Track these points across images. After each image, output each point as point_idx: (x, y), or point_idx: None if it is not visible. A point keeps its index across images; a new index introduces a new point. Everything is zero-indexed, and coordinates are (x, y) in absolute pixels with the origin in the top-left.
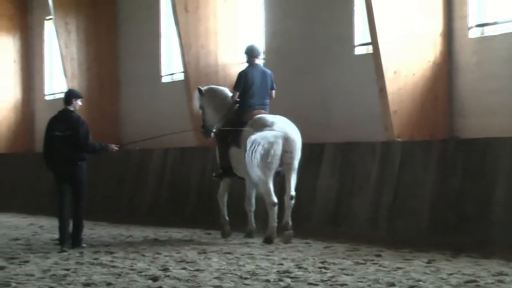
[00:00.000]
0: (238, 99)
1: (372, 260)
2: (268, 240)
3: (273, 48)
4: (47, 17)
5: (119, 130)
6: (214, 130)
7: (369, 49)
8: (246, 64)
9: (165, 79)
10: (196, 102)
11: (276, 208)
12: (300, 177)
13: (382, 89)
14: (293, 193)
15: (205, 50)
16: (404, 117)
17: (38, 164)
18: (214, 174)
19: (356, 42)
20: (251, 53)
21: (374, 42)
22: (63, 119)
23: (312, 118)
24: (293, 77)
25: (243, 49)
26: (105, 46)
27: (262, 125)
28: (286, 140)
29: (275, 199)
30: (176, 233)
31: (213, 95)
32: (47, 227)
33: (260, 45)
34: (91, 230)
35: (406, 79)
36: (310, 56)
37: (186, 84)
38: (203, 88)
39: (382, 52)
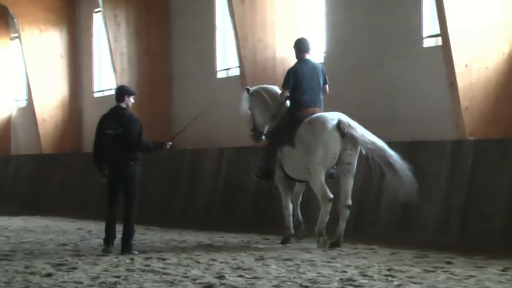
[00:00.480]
0: (288, 97)
1: (442, 267)
2: (334, 244)
3: (334, 39)
4: (96, 10)
5: (171, 128)
6: (265, 132)
7: (439, 41)
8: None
9: (220, 75)
10: (245, 104)
11: (330, 204)
12: (364, 179)
13: (452, 83)
14: (349, 202)
15: (262, 43)
16: (476, 113)
17: (87, 165)
18: (255, 174)
19: (425, 34)
20: (300, 47)
21: (444, 33)
22: (115, 116)
23: (376, 115)
24: (357, 70)
25: (293, 44)
26: (156, 39)
27: (324, 123)
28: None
29: (331, 195)
30: (232, 238)
31: (262, 95)
32: (95, 232)
33: (320, 37)
34: (142, 235)
35: (479, 73)
36: (375, 48)
37: (242, 79)
38: (252, 89)
39: (453, 44)
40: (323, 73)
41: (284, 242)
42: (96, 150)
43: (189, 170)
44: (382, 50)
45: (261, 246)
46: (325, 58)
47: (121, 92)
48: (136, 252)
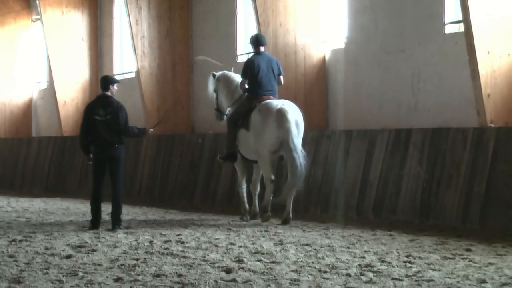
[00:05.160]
0: (247, 86)
1: (462, 254)
2: (285, 221)
3: (357, 26)
4: None
5: (192, 113)
6: (226, 113)
7: (461, 27)
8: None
9: (240, 59)
10: (211, 86)
11: (272, 184)
12: (385, 166)
13: (474, 70)
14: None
15: (283, 29)
16: (498, 101)
17: None
18: (219, 156)
19: (447, 20)
20: (256, 42)
21: (466, 19)
22: (103, 104)
23: (398, 101)
24: (379, 56)
25: (249, 39)
26: (177, 23)
27: (269, 109)
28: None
29: (272, 176)
30: (251, 222)
31: (227, 81)
32: None
33: (342, 23)
34: (162, 218)
35: (501, 60)
36: (397, 34)
37: None
38: (217, 73)
39: (475, 31)
40: (277, 65)
41: (242, 218)
42: (82, 135)
43: (210, 154)
44: (404, 36)
45: (280, 231)
46: (347, 44)
47: (106, 81)
48: (123, 227)
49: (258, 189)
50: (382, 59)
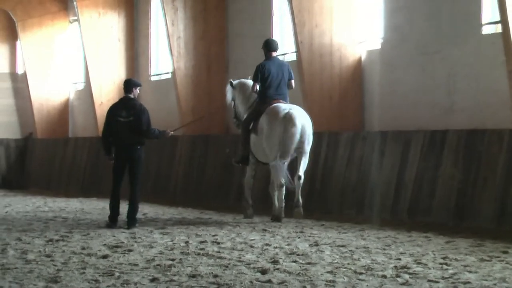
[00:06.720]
0: (257, 88)
1: (498, 257)
2: (276, 219)
3: (392, 26)
4: None
5: (227, 114)
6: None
7: (498, 28)
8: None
9: None
10: (229, 95)
11: (283, 189)
12: (420, 167)
13: (511, 71)
14: (300, 173)
15: (319, 29)
16: None
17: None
18: (233, 160)
19: (484, 20)
20: (269, 47)
21: (503, 20)
22: (125, 106)
23: (434, 102)
24: (414, 57)
25: (261, 44)
26: (213, 24)
27: (276, 114)
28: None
29: (282, 181)
30: (287, 223)
31: (242, 88)
32: (151, 214)
33: (377, 23)
34: (197, 219)
35: None
36: (433, 34)
37: (298, 65)
38: (234, 82)
39: None
40: (288, 70)
41: (245, 215)
42: (105, 135)
43: None
44: (440, 37)
45: (315, 232)
46: (382, 44)
47: (130, 84)
48: (137, 225)
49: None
50: (417, 59)
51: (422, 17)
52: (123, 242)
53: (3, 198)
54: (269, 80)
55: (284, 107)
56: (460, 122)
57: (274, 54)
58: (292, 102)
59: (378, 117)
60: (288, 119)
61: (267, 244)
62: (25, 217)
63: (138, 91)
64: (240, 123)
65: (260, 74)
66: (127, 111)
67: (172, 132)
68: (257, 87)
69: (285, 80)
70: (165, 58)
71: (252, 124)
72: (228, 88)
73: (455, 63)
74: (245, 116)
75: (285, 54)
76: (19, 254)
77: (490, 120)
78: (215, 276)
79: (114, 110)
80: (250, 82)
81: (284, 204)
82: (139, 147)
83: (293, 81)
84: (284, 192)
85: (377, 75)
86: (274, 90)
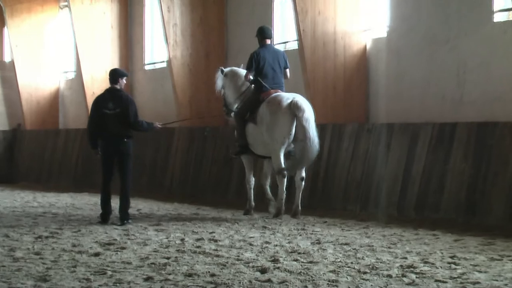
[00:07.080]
0: (251, 79)
1: (509, 256)
2: (277, 211)
3: (399, 15)
4: None
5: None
6: (234, 110)
7: (510, 15)
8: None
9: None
10: (219, 82)
11: (284, 180)
12: (428, 161)
13: None
14: (303, 174)
15: (322, 17)
16: None
17: (136, 141)
18: (231, 152)
19: (496, 7)
20: (262, 34)
21: None
22: (112, 97)
23: (443, 93)
24: (423, 47)
25: (255, 32)
26: (211, 11)
27: (280, 102)
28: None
29: (285, 171)
30: (287, 220)
31: (234, 77)
32: (145, 210)
33: (383, 12)
34: (194, 215)
35: None
36: (442, 23)
37: (300, 53)
38: (225, 69)
39: None
40: (284, 58)
41: (246, 213)
42: (90, 129)
43: None
44: (449, 26)
45: (317, 229)
46: (389, 33)
47: (116, 74)
48: (131, 221)
49: (269, 180)
50: (426, 49)
51: (430, 5)
52: (115, 239)
53: None
54: (265, 69)
55: (288, 96)
56: (470, 114)
57: (268, 41)
58: (294, 92)
59: (384, 108)
60: (295, 106)
61: (267, 242)
62: (13, 212)
63: (125, 82)
64: (229, 112)
65: (255, 63)
66: (113, 103)
67: (160, 125)
68: (251, 76)
69: (281, 69)
70: (161, 46)
71: (248, 114)
72: (219, 76)
73: (465, 52)
74: (235, 105)
75: (287, 42)
76: (6, 252)
77: (502, 113)
78: (212, 275)
79: (100, 102)
80: (242, 70)
81: (285, 196)
82: (126, 139)
83: (288, 70)
84: (285, 182)
85: (383, 64)
86: (271, 80)
